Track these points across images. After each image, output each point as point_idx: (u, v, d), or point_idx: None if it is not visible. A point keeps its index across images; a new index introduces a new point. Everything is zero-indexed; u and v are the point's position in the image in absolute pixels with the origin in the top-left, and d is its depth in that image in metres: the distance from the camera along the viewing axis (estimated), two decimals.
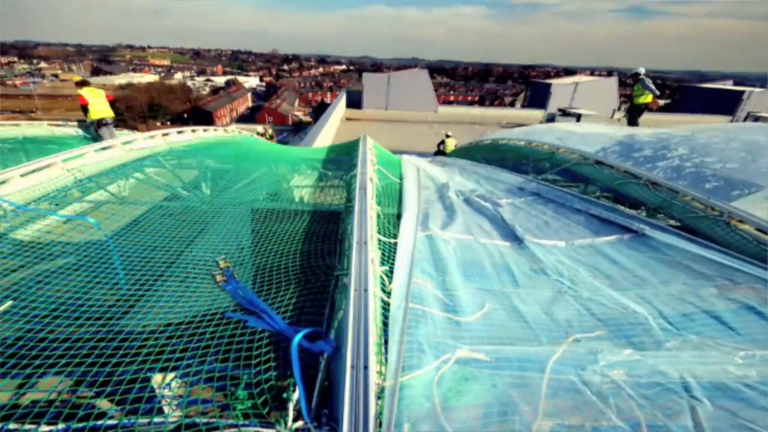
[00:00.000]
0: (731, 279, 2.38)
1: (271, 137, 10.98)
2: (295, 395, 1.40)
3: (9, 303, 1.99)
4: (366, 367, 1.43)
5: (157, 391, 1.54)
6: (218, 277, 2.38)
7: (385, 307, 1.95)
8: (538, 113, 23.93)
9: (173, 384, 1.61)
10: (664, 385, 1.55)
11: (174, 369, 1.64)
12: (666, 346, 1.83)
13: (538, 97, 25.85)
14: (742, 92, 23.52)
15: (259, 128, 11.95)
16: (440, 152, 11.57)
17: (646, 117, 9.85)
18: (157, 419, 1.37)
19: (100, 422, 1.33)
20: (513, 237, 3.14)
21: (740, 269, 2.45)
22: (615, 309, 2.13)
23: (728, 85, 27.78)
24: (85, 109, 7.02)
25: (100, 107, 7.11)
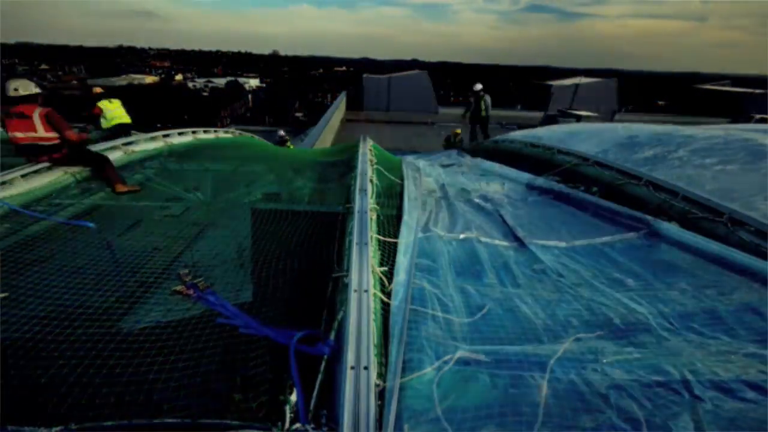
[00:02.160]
0: (732, 278, 2.38)
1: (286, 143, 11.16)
2: (293, 397, 1.39)
3: (5, 294, 2.00)
4: (366, 368, 1.43)
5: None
6: (182, 290, 2.16)
7: (385, 308, 1.95)
8: (538, 114, 23.94)
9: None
10: (664, 385, 1.55)
11: (172, 370, 1.64)
12: (667, 345, 1.83)
13: (538, 98, 25.86)
14: (742, 93, 23.54)
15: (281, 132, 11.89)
16: (454, 143, 10.78)
17: (645, 118, 9.85)
18: (155, 420, 1.37)
19: (102, 423, 1.33)
20: (514, 237, 3.14)
21: (742, 268, 2.45)
22: (616, 308, 2.13)
23: (727, 86, 27.79)
24: (97, 117, 7.25)
25: (115, 113, 7.32)
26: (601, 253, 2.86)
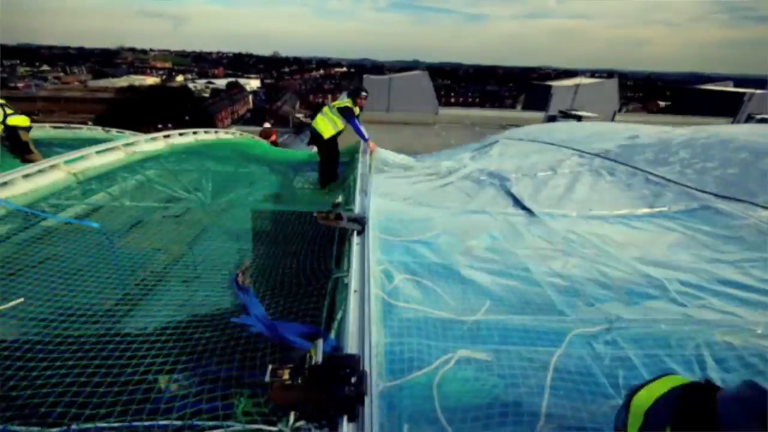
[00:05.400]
0: (747, 249, 2.36)
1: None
2: None
3: (21, 299, 2.00)
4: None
5: (162, 391, 1.54)
6: (240, 278, 2.29)
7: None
8: (538, 115, 23.88)
9: (176, 386, 1.61)
10: (675, 358, 1.54)
11: (177, 371, 1.64)
12: (682, 315, 1.81)
13: (538, 99, 25.81)
14: (743, 94, 23.47)
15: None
16: None
17: (646, 118, 9.76)
18: (161, 421, 1.37)
19: (103, 423, 1.34)
20: (524, 210, 3.19)
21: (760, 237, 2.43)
22: (631, 276, 2.10)
23: (728, 87, 27.70)
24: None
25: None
26: (616, 222, 2.87)
